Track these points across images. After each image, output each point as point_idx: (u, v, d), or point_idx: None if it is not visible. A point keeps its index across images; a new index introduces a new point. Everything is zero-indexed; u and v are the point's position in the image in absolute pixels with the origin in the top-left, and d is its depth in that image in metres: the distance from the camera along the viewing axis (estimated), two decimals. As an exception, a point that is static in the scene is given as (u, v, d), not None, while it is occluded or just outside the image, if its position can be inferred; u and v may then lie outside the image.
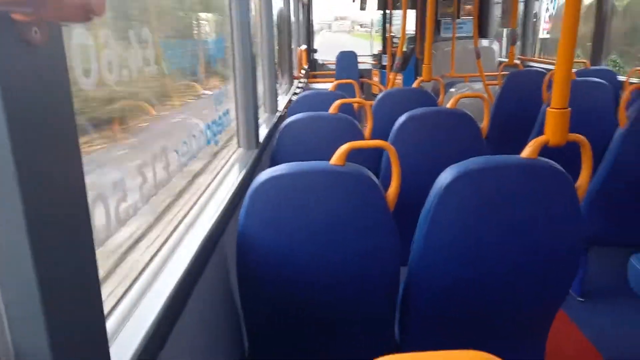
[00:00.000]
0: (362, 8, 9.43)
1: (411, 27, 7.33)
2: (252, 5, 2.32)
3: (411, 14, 7.25)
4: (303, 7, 7.75)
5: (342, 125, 2.23)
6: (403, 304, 1.49)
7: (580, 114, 2.98)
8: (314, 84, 7.23)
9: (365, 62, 8.67)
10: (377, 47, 9.74)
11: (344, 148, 1.39)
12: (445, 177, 1.34)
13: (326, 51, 9.44)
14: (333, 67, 8.33)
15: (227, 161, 2.02)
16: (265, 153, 2.52)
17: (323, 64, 8.85)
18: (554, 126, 1.39)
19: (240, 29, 2.22)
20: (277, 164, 2.22)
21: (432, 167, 2.21)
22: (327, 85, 7.13)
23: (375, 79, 8.57)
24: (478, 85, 5.53)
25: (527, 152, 1.36)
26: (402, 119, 2.22)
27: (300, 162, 1.40)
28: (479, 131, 2.22)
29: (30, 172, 0.53)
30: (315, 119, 2.24)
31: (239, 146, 2.27)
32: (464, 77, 5.62)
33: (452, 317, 1.48)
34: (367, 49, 11.41)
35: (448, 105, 2.28)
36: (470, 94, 2.83)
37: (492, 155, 1.38)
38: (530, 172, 1.36)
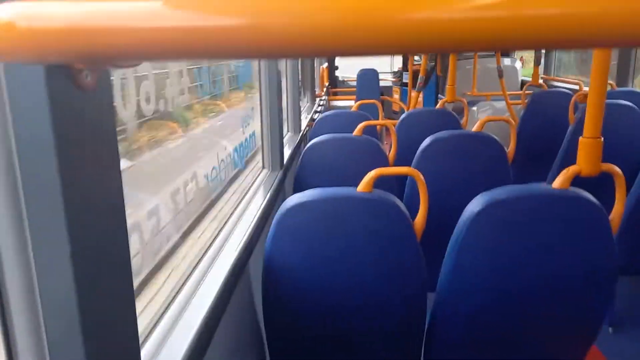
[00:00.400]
0: None
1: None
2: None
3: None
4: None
5: (366, 148, 2.23)
6: (429, 330, 1.48)
7: (609, 140, 2.93)
8: (335, 102, 7.27)
9: (385, 79, 8.69)
10: (397, 64, 9.76)
11: (371, 175, 1.40)
12: (475, 205, 1.33)
13: (345, 67, 9.49)
14: (354, 83, 8.37)
15: (253, 183, 2.04)
16: (289, 174, 2.54)
17: (344, 81, 8.89)
18: (586, 156, 1.37)
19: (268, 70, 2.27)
20: (301, 187, 2.25)
21: (459, 192, 2.19)
22: (348, 103, 7.17)
23: (396, 96, 8.58)
24: (500, 104, 5.49)
25: (558, 182, 1.34)
26: (426, 142, 2.22)
27: (327, 189, 1.41)
28: (505, 156, 2.20)
29: (78, 206, 0.56)
30: (339, 141, 2.25)
31: (263, 167, 2.29)
32: (486, 96, 5.58)
33: (479, 344, 1.45)
34: (386, 64, 11.45)
35: (474, 129, 2.27)
36: (497, 118, 2.81)
37: (520, 181, 1.37)
38: (562, 203, 1.34)
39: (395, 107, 8.35)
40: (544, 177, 3.19)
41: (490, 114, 5.67)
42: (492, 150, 2.19)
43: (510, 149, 2.30)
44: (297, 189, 2.22)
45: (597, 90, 1.36)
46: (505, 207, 1.32)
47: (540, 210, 1.33)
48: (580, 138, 1.40)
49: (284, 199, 2.52)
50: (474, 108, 5.54)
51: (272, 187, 2.07)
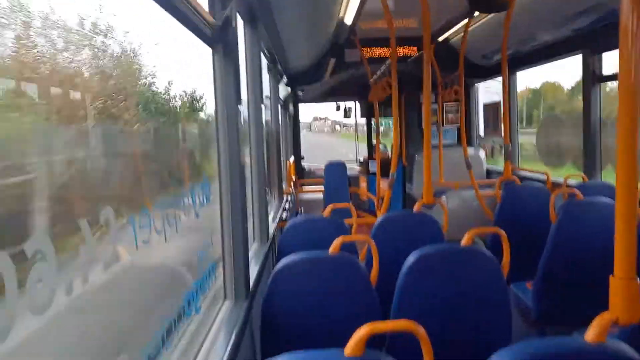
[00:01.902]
0: (347, 116, 9.66)
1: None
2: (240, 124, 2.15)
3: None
4: (289, 117, 7.84)
5: (345, 268, 1.95)
6: None
7: (590, 235, 2.81)
8: (303, 194, 7.08)
9: (352, 168, 8.66)
10: (363, 152, 9.83)
11: (360, 334, 1.09)
12: None
13: (311, 154, 9.48)
14: (320, 173, 8.28)
15: (213, 324, 1.68)
16: (256, 301, 2.19)
17: (310, 170, 8.80)
18: (623, 301, 1.13)
19: (229, 160, 2.01)
20: (271, 319, 1.91)
21: (453, 313, 1.93)
22: (317, 196, 6.99)
23: (363, 185, 8.50)
24: (467, 193, 5.44)
25: (593, 334, 1.08)
26: (411, 258, 1.96)
27: (307, 353, 1.09)
28: (501, 272, 1.95)
29: None
30: (313, 261, 1.96)
31: (225, 298, 1.94)
32: (454, 185, 5.53)
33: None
34: (352, 152, 11.57)
35: (463, 242, 2.03)
36: (486, 229, 2.62)
37: None
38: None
39: (363, 197, 8.24)
40: (527, 275, 3.00)
41: (458, 203, 5.60)
42: (486, 266, 1.95)
43: (504, 262, 2.06)
44: (266, 323, 1.88)
45: (626, 222, 1.15)
46: None
47: None
48: (612, 278, 1.16)
49: (252, 339, 2.17)
50: (443, 197, 5.46)
51: (238, 324, 1.72)
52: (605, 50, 4.01)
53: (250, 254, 2.52)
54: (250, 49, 3.04)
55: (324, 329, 1.87)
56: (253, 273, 2.25)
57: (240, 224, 2.04)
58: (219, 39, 1.92)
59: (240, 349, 1.67)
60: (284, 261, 1.93)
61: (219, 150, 1.99)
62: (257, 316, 1.98)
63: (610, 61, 4.07)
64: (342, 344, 1.10)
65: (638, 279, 1.16)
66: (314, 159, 9.51)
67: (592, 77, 4.07)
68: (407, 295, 1.90)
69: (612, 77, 4.06)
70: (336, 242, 2.00)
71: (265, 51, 4.02)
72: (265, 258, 2.79)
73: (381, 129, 8.00)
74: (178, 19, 1.47)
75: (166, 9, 1.38)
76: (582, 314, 1.60)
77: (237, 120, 2.02)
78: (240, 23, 2.70)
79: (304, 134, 9.27)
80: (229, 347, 1.52)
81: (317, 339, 1.81)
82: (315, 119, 54.13)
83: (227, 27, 1.92)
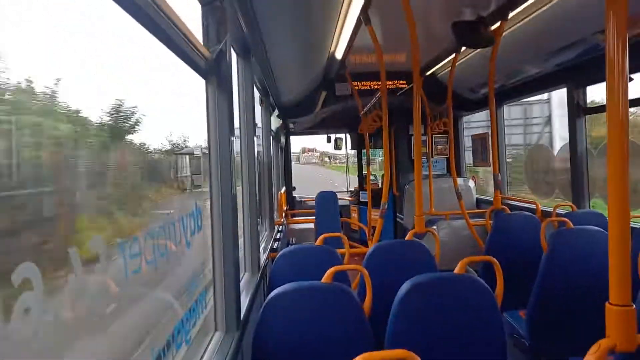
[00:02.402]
0: (337, 148, 9.74)
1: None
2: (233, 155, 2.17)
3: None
4: (281, 148, 7.89)
5: (338, 299, 1.93)
6: None
7: (581, 263, 2.83)
8: (294, 224, 7.06)
9: (342, 198, 8.68)
10: (353, 183, 9.88)
11: None
12: None
13: (300, 186, 9.50)
14: (311, 203, 8.27)
15: (203, 356, 1.65)
16: (247, 332, 2.15)
17: (302, 201, 8.80)
18: (619, 329, 1.13)
19: (221, 190, 2.02)
20: (262, 351, 1.87)
21: (447, 342, 1.91)
22: (308, 226, 6.96)
23: (354, 215, 8.51)
24: (458, 223, 5.47)
25: None
26: (405, 287, 1.95)
27: None
28: (494, 300, 1.95)
29: None
30: (306, 291, 1.94)
31: (215, 330, 1.91)
32: (444, 215, 5.56)
33: None
34: (341, 179, 11.59)
35: (455, 270, 2.04)
36: (478, 258, 2.63)
37: None
38: None
39: (354, 227, 8.22)
40: (520, 304, 2.99)
41: (449, 232, 5.63)
42: (479, 294, 1.94)
43: (497, 291, 2.06)
44: (258, 355, 1.84)
45: (620, 249, 1.16)
46: None
47: None
48: (608, 304, 1.17)
49: None
50: (434, 227, 5.49)
51: (229, 357, 1.68)
52: (589, 84, 4.13)
53: (242, 284, 2.49)
54: (243, 82, 3.09)
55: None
56: (244, 304, 2.22)
57: (231, 255, 2.03)
58: (213, 71, 1.95)
59: None
60: (276, 291, 1.91)
61: (211, 180, 2.00)
62: (248, 347, 1.95)
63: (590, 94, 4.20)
64: None
65: (633, 305, 1.17)
66: (305, 191, 9.53)
67: (577, 109, 4.18)
68: (401, 323, 1.89)
69: (597, 109, 4.17)
70: (329, 272, 1.99)
71: (258, 84, 4.08)
72: (256, 288, 2.76)
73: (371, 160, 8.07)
74: (173, 51, 1.50)
75: (162, 41, 1.41)
76: (576, 342, 1.60)
77: (230, 151, 2.04)
78: (233, 56, 2.76)
79: (292, 165, 9.32)
80: None
81: None
82: (304, 150, 52.87)
83: (221, 60, 1.97)
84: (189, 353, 1.58)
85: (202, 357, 1.67)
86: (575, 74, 4.12)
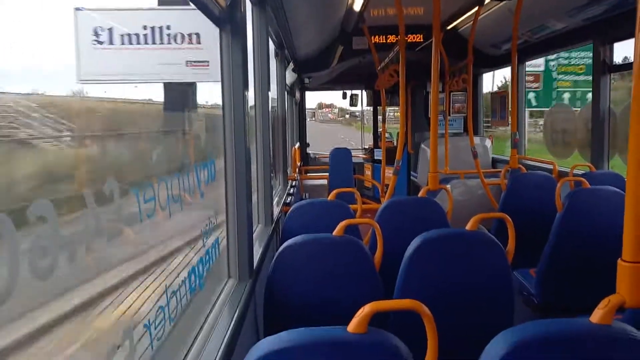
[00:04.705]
0: (353, 104, 9.62)
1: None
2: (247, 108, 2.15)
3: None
4: (295, 104, 7.82)
5: (349, 250, 1.95)
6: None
7: (596, 224, 2.81)
8: (307, 180, 7.09)
9: (357, 155, 8.65)
10: (368, 141, 9.82)
11: (364, 312, 1.10)
12: (501, 347, 1.06)
13: (315, 144, 9.48)
14: (325, 160, 8.28)
15: (216, 301, 1.70)
16: (260, 281, 2.20)
17: (315, 158, 8.80)
18: (630, 285, 1.13)
19: (234, 143, 2.02)
20: (275, 300, 1.92)
21: (456, 297, 1.94)
22: (321, 182, 6.99)
23: (368, 172, 8.50)
24: (472, 182, 5.43)
25: (599, 316, 1.09)
26: (415, 242, 1.96)
27: (310, 329, 1.10)
28: (505, 256, 1.95)
29: None
30: (317, 242, 1.97)
31: (229, 276, 1.96)
32: (459, 174, 5.52)
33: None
34: (357, 139, 11.53)
35: (467, 227, 2.04)
36: (491, 215, 2.62)
37: None
38: (602, 341, 1.08)
39: (368, 184, 8.23)
40: (531, 263, 3.00)
41: (463, 191, 5.59)
42: (490, 250, 1.95)
43: (509, 248, 2.06)
44: (270, 303, 1.89)
45: (636, 206, 1.14)
46: (538, 350, 1.05)
47: (580, 349, 1.07)
48: (620, 261, 1.16)
49: (255, 318, 2.19)
50: (448, 186, 5.46)
51: (241, 303, 1.73)
52: (617, 40, 3.97)
53: (255, 235, 2.53)
54: (258, 32, 3.02)
55: (327, 310, 1.89)
56: (257, 254, 2.27)
57: (244, 206, 2.05)
58: (227, 19, 1.91)
59: (243, 326, 1.69)
60: (288, 242, 1.94)
61: (225, 133, 1.99)
62: (260, 296, 2.00)
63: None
64: (345, 324, 1.10)
65: None
66: (320, 147, 9.52)
67: (603, 66, 4.03)
68: (410, 278, 1.91)
69: (624, 67, 4.02)
70: (341, 225, 2.00)
71: (273, 35, 4.00)
72: (269, 240, 2.80)
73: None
74: (186, -4, 1.47)
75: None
76: (586, 301, 1.60)
77: (244, 103, 2.02)
78: (248, 6, 2.69)
79: (307, 122, 9.27)
80: (232, 324, 1.54)
81: (320, 319, 1.82)
82: (321, 106, 46.76)
83: (236, 8, 1.92)
84: (204, 297, 1.63)
85: (215, 302, 1.72)
86: (603, 29, 3.94)
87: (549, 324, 1.10)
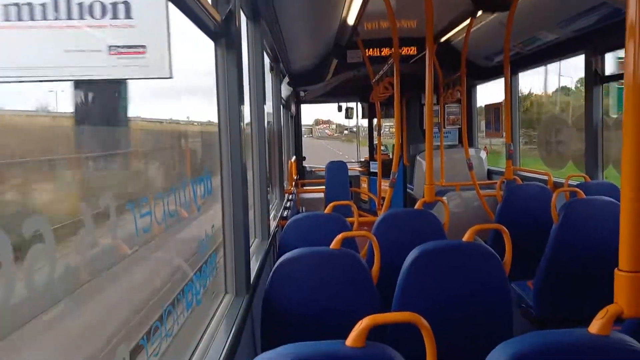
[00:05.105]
0: (348, 117, 9.66)
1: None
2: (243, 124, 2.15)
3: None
4: (291, 117, 7.84)
5: (346, 264, 1.94)
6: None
7: (592, 234, 2.81)
8: (304, 194, 7.08)
9: (353, 168, 8.66)
10: (364, 153, 9.84)
11: (362, 326, 1.09)
12: (499, 358, 1.05)
13: (311, 158, 9.48)
14: (321, 173, 8.28)
15: (213, 317, 1.68)
16: (257, 295, 2.18)
17: (312, 171, 8.80)
18: (628, 294, 1.12)
19: (231, 157, 2.01)
20: (272, 313, 1.90)
21: (454, 309, 1.93)
22: (318, 195, 6.99)
23: (364, 185, 8.50)
24: (468, 194, 5.44)
25: (597, 326, 1.08)
26: (413, 254, 1.95)
27: (308, 344, 1.09)
28: (502, 267, 1.95)
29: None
30: (315, 256, 1.95)
31: (226, 292, 1.94)
32: (455, 186, 5.53)
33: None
34: (353, 152, 11.54)
35: (464, 238, 2.03)
36: (488, 226, 2.61)
37: None
38: (601, 352, 1.07)
39: (364, 197, 8.23)
40: (528, 275, 2.99)
41: (459, 203, 5.59)
42: (488, 262, 1.94)
43: (506, 259, 2.05)
44: (267, 317, 1.87)
45: (632, 216, 1.14)
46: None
47: None
48: (617, 271, 1.15)
49: (252, 333, 2.17)
50: (444, 198, 5.46)
51: (238, 318, 1.71)
52: (608, 51, 4.01)
53: (251, 250, 2.52)
54: (252, 46, 3.04)
55: (325, 324, 1.87)
56: (254, 268, 2.25)
57: (241, 221, 2.04)
58: (222, 33, 1.92)
59: (240, 341, 1.67)
60: (285, 256, 1.93)
61: (221, 147, 1.99)
62: (257, 311, 1.98)
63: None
64: (343, 337, 1.09)
65: None
66: (315, 159, 9.52)
67: (595, 77, 4.07)
68: (408, 290, 1.90)
69: (616, 77, 4.06)
70: (337, 238, 1.99)
71: (268, 49, 4.02)
72: (266, 254, 2.78)
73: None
74: (181, 10, 1.47)
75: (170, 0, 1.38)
76: (584, 311, 1.60)
77: (240, 117, 2.02)
78: (243, 20, 2.71)
79: (304, 139, 9.30)
80: (229, 340, 1.52)
81: (318, 334, 1.80)
82: (318, 122, 44.39)
83: (231, 21, 1.93)
84: (200, 313, 1.61)
85: (212, 317, 1.70)
86: (594, 40, 3.99)
87: (548, 335, 1.09)
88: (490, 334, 1.90)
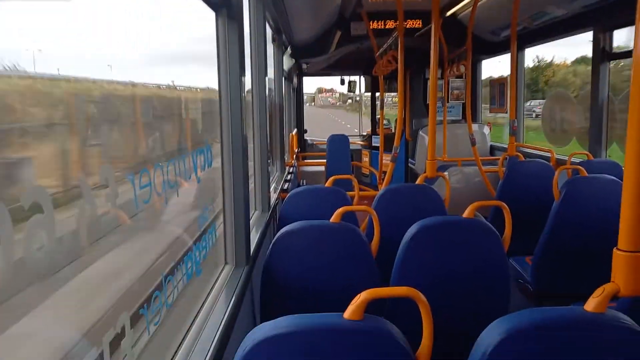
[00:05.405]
0: (351, 90, 9.57)
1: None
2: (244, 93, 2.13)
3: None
4: (293, 90, 7.77)
5: (346, 237, 1.95)
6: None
7: (593, 212, 2.82)
8: (305, 167, 7.07)
9: (354, 142, 8.63)
10: (366, 127, 9.79)
11: (360, 299, 1.10)
12: (496, 333, 1.07)
13: (313, 131, 9.43)
14: (322, 146, 8.26)
15: (213, 287, 1.70)
16: (256, 267, 2.21)
17: (313, 144, 8.78)
18: (626, 273, 1.13)
19: (231, 129, 2.00)
20: (272, 285, 1.93)
21: (452, 284, 1.95)
22: (319, 169, 6.98)
23: (366, 159, 8.49)
24: (469, 169, 5.43)
25: (593, 304, 1.09)
26: (412, 229, 1.96)
27: (305, 316, 1.11)
28: (501, 244, 1.96)
29: None
30: (314, 228, 1.96)
31: (226, 262, 1.96)
32: (457, 161, 5.51)
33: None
34: (355, 125, 11.46)
35: (464, 214, 2.04)
36: (488, 202, 2.61)
37: None
38: (596, 329, 1.08)
39: (365, 171, 8.22)
40: (527, 251, 3.02)
41: (461, 179, 5.59)
42: (487, 238, 1.95)
43: (505, 235, 2.06)
44: (266, 289, 1.90)
45: (633, 195, 1.13)
46: (533, 337, 1.05)
47: (574, 337, 1.07)
48: (615, 250, 1.16)
49: (252, 304, 2.20)
50: (445, 173, 5.46)
51: (237, 289, 1.74)
52: (617, 27, 3.94)
53: (251, 222, 2.53)
54: (254, 17, 2.99)
55: (324, 296, 1.89)
56: (254, 240, 2.27)
57: (241, 192, 2.04)
58: (223, 2, 1.88)
59: (240, 312, 1.69)
60: (285, 229, 1.94)
61: (221, 118, 1.97)
62: (257, 282, 2.01)
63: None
64: (341, 310, 1.11)
65: None
66: (317, 133, 9.48)
67: (602, 54, 4.01)
68: (407, 265, 1.92)
69: (624, 55, 4.00)
70: (338, 212, 2.00)
71: (270, 20, 3.95)
72: (266, 226, 2.80)
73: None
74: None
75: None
76: (581, 289, 1.61)
77: (241, 88, 2.00)
78: (245, -11, 2.65)
79: (305, 109, 9.22)
80: (229, 310, 1.55)
81: (317, 306, 1.83)
82: (320, 90, 42.43)
83: (232, -10, 1.89)
84: (200, 283, 1.63)
85: (212, 288, 1.72)
86: (603, 15, 3.91)
87: (544, 312, 1.11)
88: (488, 310, 1.93)
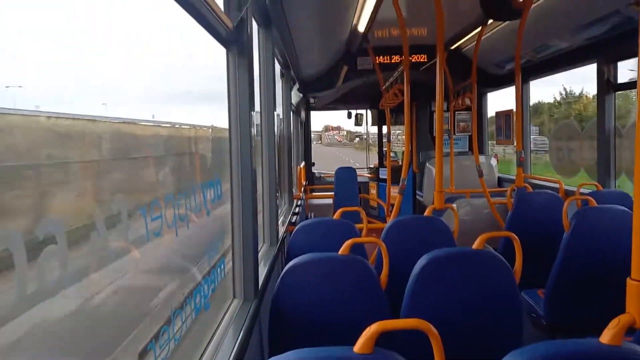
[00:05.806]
0: (358, 124, 9.66)
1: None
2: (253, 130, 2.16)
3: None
4: (301, 123, 7.87)
5: (354, 270, 1.94)
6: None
7: (604, 243, 2.78)
8: (313, 200, 7.08)
9: (362, 174, 8.66)
10: (373, 160, 9.83)
11: (371, 332, 1.09)
12: None
13: (320, 164, 9.48)
14: (330, 179, 8.29)
15: (221, 322, 1.68)
16: (265, 301, 2.18)
17: (320, 177, 8.81)
18: (639, 305, 1.11)
19: (240, 163, 2.03)
20: (280, 320, 1.90)
21: (463, 317, 1.91)
22: (327, 202, 6.99)
23: (373, 191, 8.49)
24: (477, 201, 5.40)
25: (608, 336, 1.06)
26: (422, 261, 1.94)
27: (316, 350, 1.09)
28: (512, 275, 1.93)
29: None
30: (323, 261, 1.95)
31: (234, 297, 1.94)
32: (465, 193, 5.50)
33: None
34: (362, 159, 11.51)
35: (474, 246, 2.02)
36: (498, 233, 2.59)
37: None
38: None
39: (373, 204, 8.21)
40: (539, 284, 2.96)
41: (469, 210, 5.55)
42: (498, 270, 1.93)
43: (516, 267, 2.04)
44: (275, 323, 1.87)
45: None
46: None
47: None
48: (629, 280, 1.14)
49: (260, 338, 2.17)
50: (454, 205, 5.43)
51: (246, 323, 1.72)
52: (621, 59, 3.98)
53: (260, 255, 2.52)
54: (264, 53, 3.06)
55: (333, 330, 1.86)
56: (262, 274, 2.25)
57: (250, 226, 2.05)
58: (233, 39, 1.94)
59: (248, 346, 1.67)
60: (293, 261, 1.93)
61: (231, 153, 2.00)
62: (265, 316, 1.98)
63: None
64: (351, 344, 1.09)
65: None
66: (324, 165, 9.52)
67: (607, 85, 4.04)
68: (417, 297, 1.89)
69: (628, 85, 4.03)
70: (346, 244, 1.99)
71: (279, 56, 4.05)
72: (274, 259, 2.79)
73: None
74: (194, 17, 1.49)
75: (183, 7, 1.40)
76: (595, 321, 1.58)
77: (250, 123, 2.03)
78: (254, 27, 2.73)
79: (314, 146, 9.32)
80: (237, 345, 1.52)
81: (326, 339, 1.80)
82: (327, 128, 42.56)
83: (242, 28, 1.95)
84: (208, 318, 1.61)
85: (220, 322, 1.70)
86: (606, 48, 3.96)
87: (559, 345, 1.08)
88: (500, 343, 1.88)
